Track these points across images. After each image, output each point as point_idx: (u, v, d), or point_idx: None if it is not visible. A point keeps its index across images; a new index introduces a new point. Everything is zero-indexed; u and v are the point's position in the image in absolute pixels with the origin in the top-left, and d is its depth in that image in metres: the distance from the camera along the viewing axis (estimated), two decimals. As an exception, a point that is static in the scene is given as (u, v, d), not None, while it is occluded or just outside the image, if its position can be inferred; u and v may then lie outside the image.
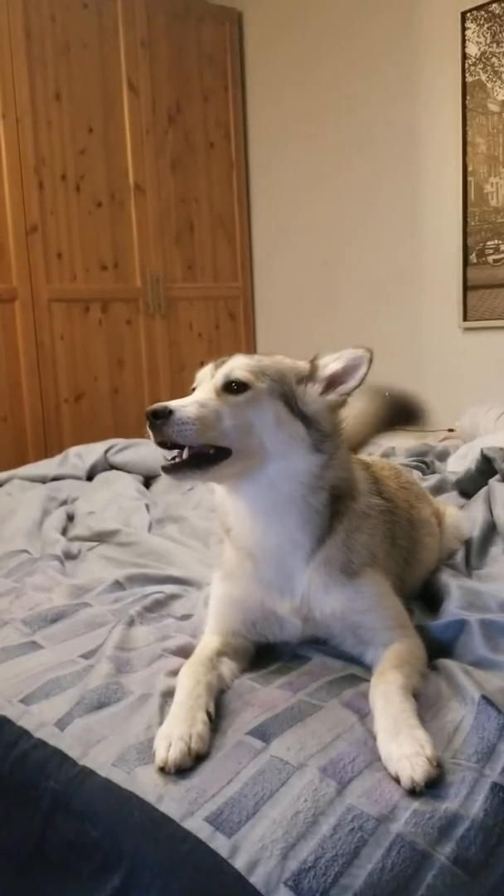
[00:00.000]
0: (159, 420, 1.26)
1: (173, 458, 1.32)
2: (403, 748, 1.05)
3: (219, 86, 4.80)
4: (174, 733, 1.11)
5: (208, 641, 1.41)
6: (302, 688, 1.27)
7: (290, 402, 1.37)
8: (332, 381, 1.39)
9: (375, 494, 1.51)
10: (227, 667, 1.35)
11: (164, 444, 1.30)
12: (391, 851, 0.93)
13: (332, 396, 1.39)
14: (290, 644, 1.42)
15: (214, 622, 1.45)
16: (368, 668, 1.33)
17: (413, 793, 1.00)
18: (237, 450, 1.32)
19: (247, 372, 1.35)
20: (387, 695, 1.18)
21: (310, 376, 1.40)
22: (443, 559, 1.84)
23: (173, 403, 1.29)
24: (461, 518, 2.04)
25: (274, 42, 4.75)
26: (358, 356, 1.38)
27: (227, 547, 1.45)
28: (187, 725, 1.12)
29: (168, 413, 1.27)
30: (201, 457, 1.31)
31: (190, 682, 1.24)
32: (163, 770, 1.07)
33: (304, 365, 1.42)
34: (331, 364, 1.40)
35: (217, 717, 1.20)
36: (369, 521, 1.44)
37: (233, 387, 1.34)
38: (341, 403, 1.41)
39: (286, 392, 1.37)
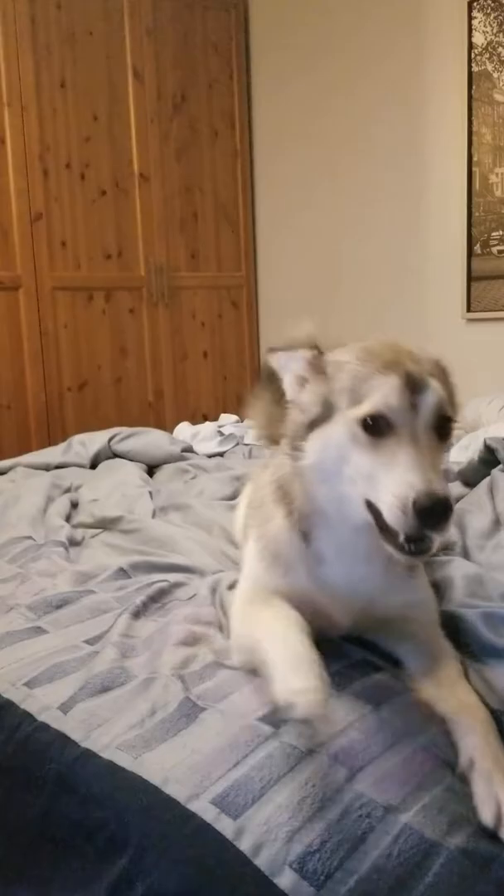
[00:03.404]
0: (444, 517, 1.02)
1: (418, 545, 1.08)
2: None
3: (224, 74, 4.78)
4: (300, 686, 1.00)
5: (252, 613, 1.25)
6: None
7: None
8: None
9: None
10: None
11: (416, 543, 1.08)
12: (399, 839, 0.93)
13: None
14: (329, 636, 1.30)
15: (251, 598, 1.30)
16: (392, 659, 1.30)
17: None
18: None
19: (451, 405, 1.17)
20: (478, 730, 1.10)
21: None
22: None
23: (441, 487, 1.03)
24: None
25: (279, 31, 4.73)
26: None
27: (278, 519, 1.30)
28: (308, 673, 1.02)
29: (449, 505, 1.03)
30: None
31: (279, 627, 1.13)
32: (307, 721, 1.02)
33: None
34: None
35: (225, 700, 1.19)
36: None
37: (443, 425, 1.13)
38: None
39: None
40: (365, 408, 1.12)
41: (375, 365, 1.15)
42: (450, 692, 1.18)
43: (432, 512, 1.01)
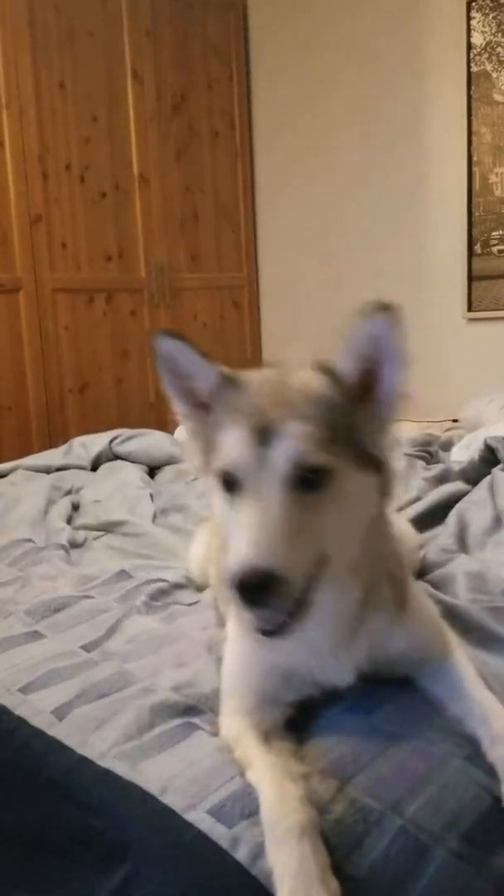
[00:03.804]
0: (262, 594, 0.90)
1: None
2: None
3: (223, 75, 4.77)
4: None
5: (243, 732, 1.10)
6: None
7: (360, 452, 1.04)
8: (364, 385, 1.06)
9: None
10: (282, 747, 1.08)
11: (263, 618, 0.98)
12: (395, 842, 0.94)
13: (382, 411, 1.06)
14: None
15: (245, 687, 1.16)
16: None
17: None
18: (336, 557, 1.03)
19: (321, 452, 0.98)
20: None
21: (345, 394, 1.05)
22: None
23: (262, 558, 0.90)
24: (402, 525, 1.76)
25: (278, 31, 4.72)
26: (375, 324, 1.02)
27: None
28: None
29: (267, 579, 0.90)
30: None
31: (282, 811, 0.94)
32: None
33: (329, 384, 1.05)
34: (346, 361, 1.05)
35: None
36: (388, 545, 1.24)
37: (308, 477, 0.98)
38: (391, 413, 1.08)
39: (356, 441, 1.04)
40: (217, 461, 1.04)
41: (234, 410, 1.04)
42: (477, 708, 1.13)
43: (245, 588, 0.90)
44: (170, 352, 1.14)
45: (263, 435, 0.99)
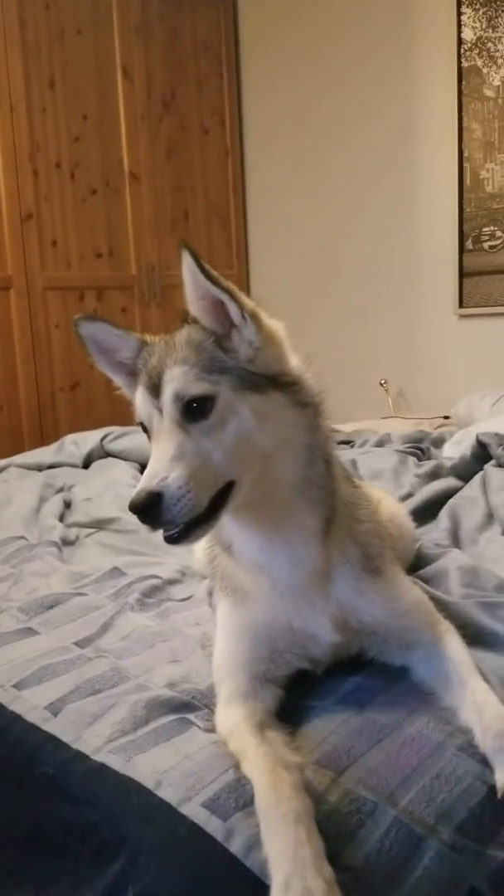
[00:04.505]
0: (152, 512, 1.04)
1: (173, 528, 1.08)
2: None
3: (214, 72, 4.77)
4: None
5: (237, 724, 1.12)
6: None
7: (246, 375, 1.13)
8: (216, 308, 1.16)
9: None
10: (275, 737, 1.10)
11: (168, 531, 1.08)
12: (389, 833, 0.94)
13: (245, 334, 1.15)
14: (321, 664, 1.25)
15: (235, 667, 1.20)
16: (400, 670, 1.26)
17: None
18: (239, 475, 1.11)
19: (200, 381, 1.11)
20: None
21: (208, 330, 1.16)
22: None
23: (152, 483, 1.04)
24: (399, 512, 1.78)
25: (269, 28, 4.72)
26: (183, 262, 1.12)
27: (229, 566, 1.26)
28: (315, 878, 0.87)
29: (157, 499, 1.03)
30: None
31: (287, 822, 0.92)
32: None
33: (196, 328, 1.17)
34: (192, 305, 1.16)
35: None
36: (360, 511, 1.29)
37: (193, 408, 1.10)
38: (255, 333, 1.15)
39: (234, 367, 1.13)
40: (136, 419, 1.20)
41: (141, 371, 1.19)
42: (470, 697, 1.14)
43: (137, 508, 1.04)
44: (92, 332, 1.26)
45: (156, 387, 1.13)
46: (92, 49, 4.25)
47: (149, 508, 1.03)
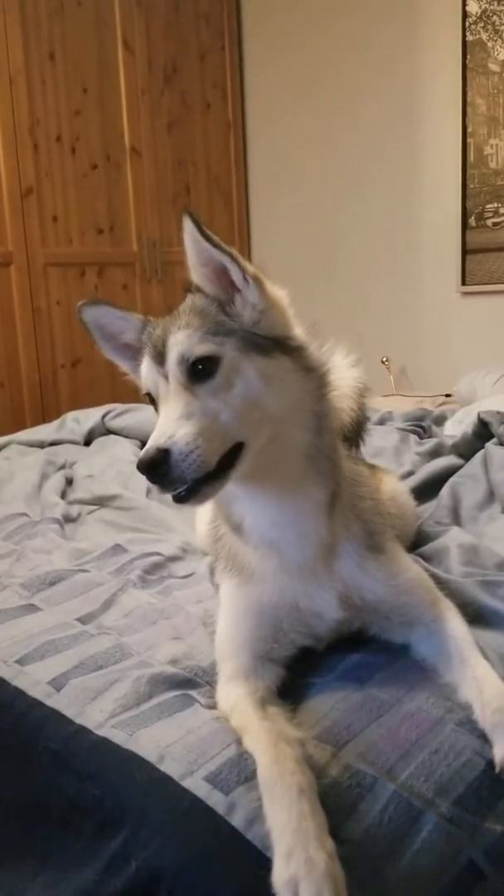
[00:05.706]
0: (161, 469, 1.03)
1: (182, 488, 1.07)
2: None
3: (216, 45, 4.72)
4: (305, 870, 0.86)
5: (238, 700, 1.12)
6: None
7: (252, 337, 1.14)
8: (218, 274, 1.16)
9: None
10: (276, 713, 1.11)
11: (177, 489, 1.07)
12: (388, 807, 0.96)
13: (249, 297, 1.15)
14: (324, 641, 1.26)
15: (238, 647, 1.20)
16: (401, 647, 1.27)
17: None
18: (248, 437, 1.11)
19: (204, 342, 1.12)
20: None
21: (211, 296, 1.17)
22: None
23: (160, 441, 1.05)
24: (400, 490, 1.80)
25: (271, 1, 4.66)
26: (184, 228, 1.12)
27: (236, 546, 1.25)
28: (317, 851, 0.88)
29: (165, 456, 1.04)
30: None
31: (289, 794, 0.93)
32: None
33: (199, 296, 1.18)
34: (195, 273, 1.17)
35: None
36: (362, 488, 1.30)
37: (199, 369, 1.11)
38: (259, 284, 1.16)
39: (239, 330, 1.14)
40: (142, 391, 1.21)
41: (145, 346, 1.19)
42: (470, 674, 1.15)
43: (145, 466, 1.04)
44: (95, 317, 1.27)
45: (161, 354, 1.14)
46: (92, 21, 4.21)
47: (157, 465, 1.03)
